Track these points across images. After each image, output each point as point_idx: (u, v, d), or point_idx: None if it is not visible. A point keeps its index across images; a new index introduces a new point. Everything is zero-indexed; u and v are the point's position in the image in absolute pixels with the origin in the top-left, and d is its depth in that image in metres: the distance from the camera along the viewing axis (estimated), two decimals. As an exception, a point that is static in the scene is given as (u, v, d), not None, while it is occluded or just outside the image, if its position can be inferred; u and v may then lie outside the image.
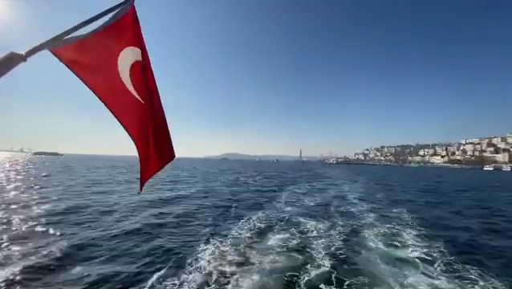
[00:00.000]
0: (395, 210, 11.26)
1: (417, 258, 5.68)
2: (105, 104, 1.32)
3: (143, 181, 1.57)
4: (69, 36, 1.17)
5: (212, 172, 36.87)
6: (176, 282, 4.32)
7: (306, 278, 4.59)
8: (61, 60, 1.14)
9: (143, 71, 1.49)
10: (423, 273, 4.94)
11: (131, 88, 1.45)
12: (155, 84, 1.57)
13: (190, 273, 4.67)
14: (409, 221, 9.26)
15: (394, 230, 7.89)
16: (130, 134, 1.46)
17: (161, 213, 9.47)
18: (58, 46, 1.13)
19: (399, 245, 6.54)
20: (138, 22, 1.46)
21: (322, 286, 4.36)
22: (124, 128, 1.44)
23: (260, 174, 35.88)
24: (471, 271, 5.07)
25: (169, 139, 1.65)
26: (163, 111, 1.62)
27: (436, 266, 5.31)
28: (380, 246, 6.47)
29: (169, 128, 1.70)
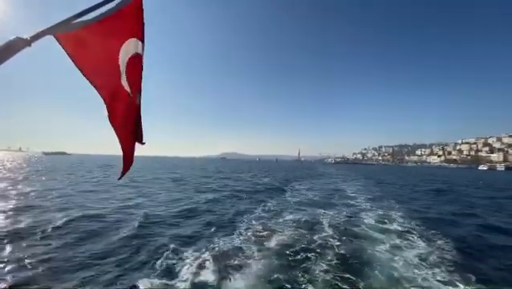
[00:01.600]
0: (386, 199, 13.47)
1: (399, 230, 7.84)
2: (99, 93, 1.37)
3: (125, 170, 1.63)
4: (74, 21, 1.16)
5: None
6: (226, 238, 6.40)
7: (317, 237, 6.69)
8: (63, 47, 1.16)
9: (139, 63, 1.51)
10: (403, 239, 7.05)
11: (124, 80, 1.47)
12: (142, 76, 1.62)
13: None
14: (397, 207, 11.41)
15: (384, 212, 10.07)
16: (114, 126, 1.50)
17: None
18: (62, 31, 1.13)
19: (386, 222, 8.64)
20: (142, 12, 1.45)
21: (328, 251, 6.43)
22: (108, 118, 1.48)
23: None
24: (438, 241, 7.17)
25: (141, 129, 1.67)
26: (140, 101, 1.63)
27: (412, 233, 7.44)
28: (372, 222, 8.58)
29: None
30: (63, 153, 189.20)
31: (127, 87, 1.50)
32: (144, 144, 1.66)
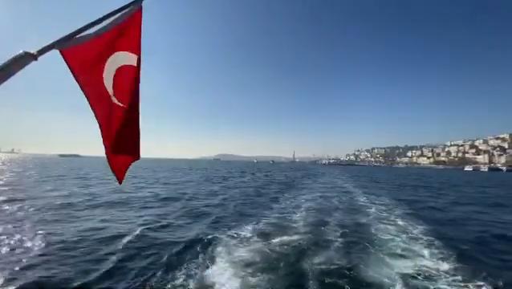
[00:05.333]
0: (376, 192, 17.69)
1: (385, 203, 11.87)
2: (90, 106, 1.41)
3: (119, 175, 1.67)
4: (78, 36, 1.23)
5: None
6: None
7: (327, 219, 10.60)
8: (66, 62, 1.22)
9: (128, 74, 1.54)
10: (387, 208, 11.04)
11: (110, 91, 1.50)
12: (138, 87, 1.62)
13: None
14: (385, 195, 15.55)
15: (373, 197, 14.17)
16: (102, 135, 1.53)
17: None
18: (66, 46, 1.20)
19: (377, 202, 12.64)
20: (140, 26, 1.50)
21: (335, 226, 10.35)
22: (100, 127, 1.52)
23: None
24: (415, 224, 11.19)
25: (138, 140, 1.70)
26: (138, 113, 1.66)
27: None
28: (368, 203, 12.55)
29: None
30: (77, 156, 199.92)
31: (114, 99, 1.54)
32: (138, 159, 1.76)
